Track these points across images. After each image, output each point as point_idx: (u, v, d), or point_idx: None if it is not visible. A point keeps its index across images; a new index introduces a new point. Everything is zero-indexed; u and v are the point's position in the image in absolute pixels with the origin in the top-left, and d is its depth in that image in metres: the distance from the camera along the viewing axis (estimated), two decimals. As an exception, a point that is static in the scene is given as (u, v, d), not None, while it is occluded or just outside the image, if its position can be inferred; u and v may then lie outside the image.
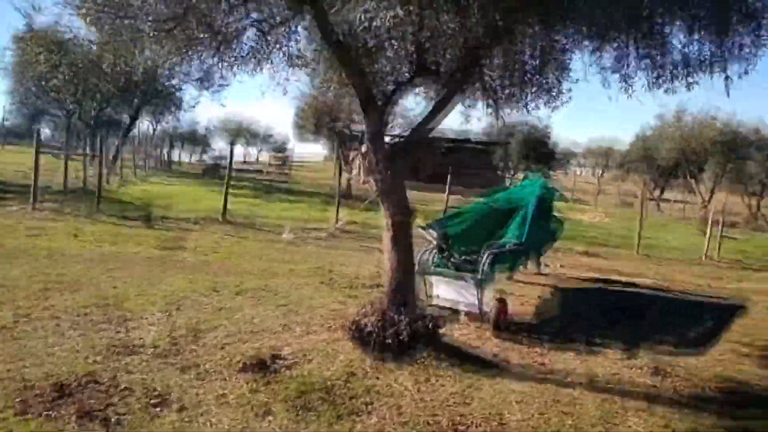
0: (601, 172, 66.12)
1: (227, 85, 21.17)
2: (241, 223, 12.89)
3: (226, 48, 5.31)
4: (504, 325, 5.87)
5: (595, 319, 6.95)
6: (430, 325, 5.10)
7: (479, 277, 5.76)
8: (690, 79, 4.41)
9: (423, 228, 6.47)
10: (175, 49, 5.09)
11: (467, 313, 5.97)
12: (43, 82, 20.11)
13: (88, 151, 21.44)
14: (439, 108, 5.32)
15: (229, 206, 13.40)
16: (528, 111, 6.75)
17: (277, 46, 5.69)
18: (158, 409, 3.66)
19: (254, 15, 5.29)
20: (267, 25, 5.15)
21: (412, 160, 32.16)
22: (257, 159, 61.32)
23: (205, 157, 54.25)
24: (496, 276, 6.24)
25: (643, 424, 4.10)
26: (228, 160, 15.46)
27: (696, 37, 4.27)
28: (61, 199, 12.68)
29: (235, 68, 6.07)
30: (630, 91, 4.82)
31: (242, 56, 5.58)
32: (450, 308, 6.10)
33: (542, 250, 8.76)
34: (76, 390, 3.77)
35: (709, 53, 4.21)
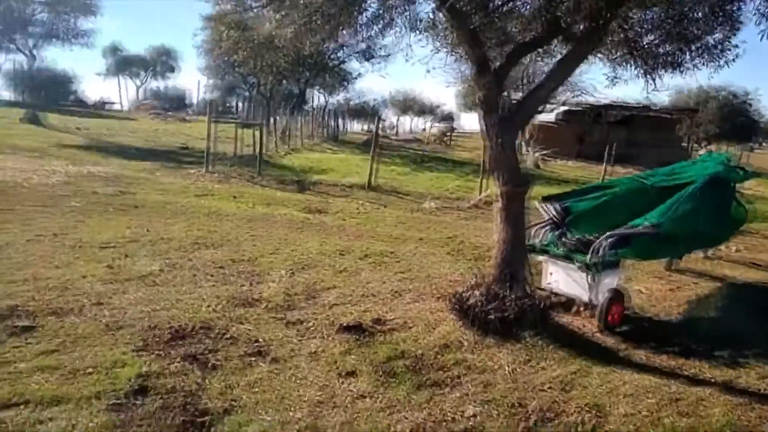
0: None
1: (388, 56, 21.64)
2: (387, 191, 13.22)
3: (348, 13, 5.33)
4: (616, 321, 5.06)
5: (757, 326, 5.70)
6: (541, 305, 4.78)
7: (590, 261, 5.01)
8: None
9: (542, 200, 5.94)
10: (297, 16, 5.26)
11: (584, 303, 5.24)
12: (226, 58, 22.32)
13: (264, 122, 23.34)
14: (565, 70, 4.83)
15: (379, 175, 13.77)
16: (682, 73, 5.91)
17: (398, 10, 5.61)
18: (254, 358, 3.91)
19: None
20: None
21: (576, 132, 30.18)
22: (425, 129, 62.26)
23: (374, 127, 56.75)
24: (620, 263, 5.38)
25: (781, 440, 3.44)
26: (378, 131, 15.83)
27: None
28: (231, 164, 14.06)
29: (360, 35, 6.17)
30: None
31: (364, 22, 5.60)
32: (561, 294, 5.45)
33: (714, 240, 7.29)
34: (189, 335, 4.18)
35: None
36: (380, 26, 5.80)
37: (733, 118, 36.94)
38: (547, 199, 5.95)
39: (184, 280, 5.45)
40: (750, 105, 39.29)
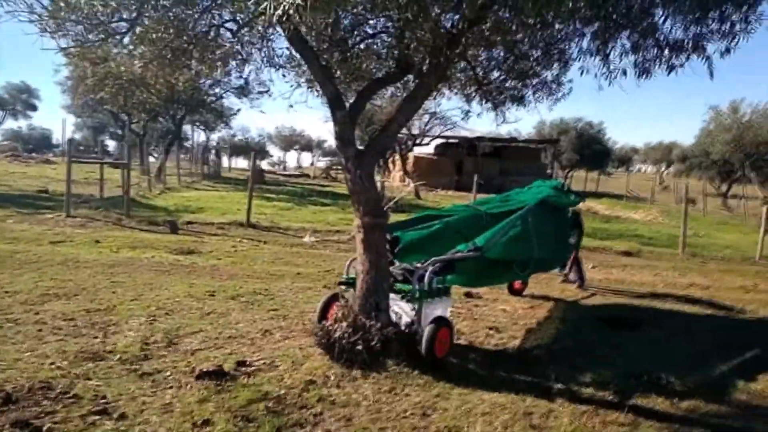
0: (663, 168, 63.37)
1: (265, 92, 21.50)
2: (266, 227, 12.98)
3: (201, 48, 5.22)
4: (442, 352, 4.83)
5: (592, 349, 5.73)
6: (406, 331, 4.86)
7: (412, 289, 4.91)
8: (673, 62, 3.99)
9: None
10: (147, 50, 5.08)
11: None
12: (93, 96, 21.07)
13: (137, 161, 22.16)
14: (412, 105, 5.06)
15: (259, 211, 13.49)
16: (525, 106, 6.42)
17: (256, 45, 5.62)
18: (97, 417, 3.59)
19: (226, 16, 5.19)
20: (235, 25, 5.05)
21: (454, 163, 31.71)
22: (312, 164, 62.58)
23: (263, 163, 56.17)
24: (449, 291, 5.30)
25: (620, 442, 3.72)
26: (255, 167, 15.58)
27: (679, 18, 3.84)
28: (96, 207, 13.14)
29: (218, 70, 6.07)
30: (611, 77, 4.43)
31: (220, 58, 5.53)
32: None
33: (552, 262, 7.14)
34: (24, 398, 3.76)
35: (690, 35, 3.78)
36: (238, 61, 5.79)
37: (589, 146, 40.74)
38: None
39: (26, 336, 4.94)
40: (603, 134, 43.61)
